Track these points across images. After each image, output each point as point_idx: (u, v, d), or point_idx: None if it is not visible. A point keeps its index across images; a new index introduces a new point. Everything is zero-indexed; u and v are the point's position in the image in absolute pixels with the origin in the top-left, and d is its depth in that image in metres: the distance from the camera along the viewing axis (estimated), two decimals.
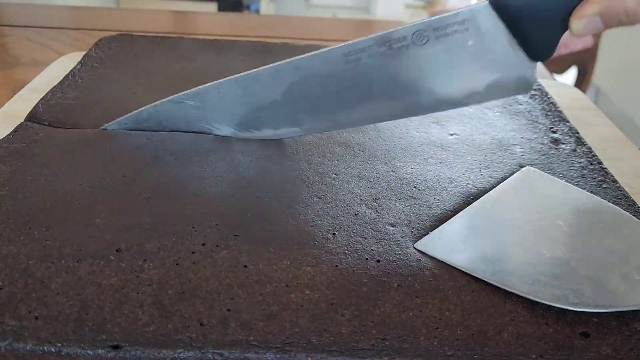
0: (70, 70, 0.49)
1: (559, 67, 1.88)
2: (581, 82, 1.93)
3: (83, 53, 0.55)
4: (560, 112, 0.47)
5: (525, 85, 0.35)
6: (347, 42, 0.35)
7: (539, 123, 0.45)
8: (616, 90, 2.28)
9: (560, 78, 1.60)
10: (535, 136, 0.43)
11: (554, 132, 0.44)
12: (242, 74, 0.38)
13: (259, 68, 0.37)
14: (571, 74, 2.00)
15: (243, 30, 0.81)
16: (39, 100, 0.44)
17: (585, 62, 1.93)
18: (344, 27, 0.93)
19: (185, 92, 0.39)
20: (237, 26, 0.86)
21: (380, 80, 0.35)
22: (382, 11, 3.55)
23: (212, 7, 2.42)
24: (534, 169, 0.39)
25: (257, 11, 2.53)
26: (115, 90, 0.47)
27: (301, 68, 0.36)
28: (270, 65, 0.36)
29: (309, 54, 0.36)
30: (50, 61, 0.64)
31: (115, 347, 0.25)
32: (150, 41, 0.58)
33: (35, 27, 0.76)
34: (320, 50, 0.35)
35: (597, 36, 1.90)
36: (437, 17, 0.33)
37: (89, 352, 0.25)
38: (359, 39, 0.35)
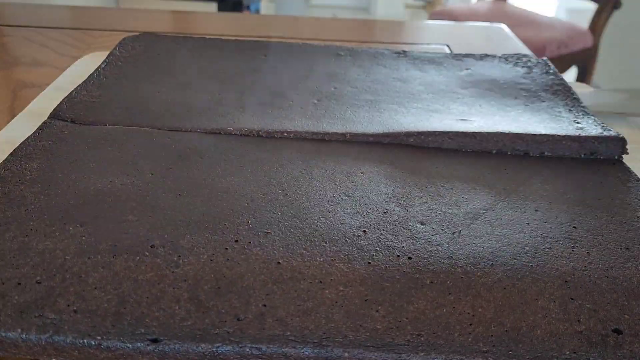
0: (95, 69, 0.49)
1: (559, 67, 1.88)
2: (581, 82, 1.93)
3: (106, 53, 0.55)
4: (584, 107, 0.47)
5: None
6: None
7: (563, 117, 0.45)
8: None
9: None
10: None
11: (578, 122, 0.44)
12: None
13: None
14: (571, 74, 2.01)
15: (243, 30, 0.81)
16: (64, 98, 0.44)
17: (585, 62, 1.94)
18: (344, 27, 0.93)
19: None
20: (237, 26, 0.86)
21: None
22: (382, 11, 3.56)
23: (212, 7, 2.42)
24: None
25: (257, 11, 2.54)
26: (139, 88, 0.47)
27: None
28: None
29: None
30: (50, 61, 0.64)
31: (154, 341, 0.25)
32: (172, 40, 0.58)
33: (35, 27, 0.76)
34: None
35: (597, 36, 1.91)
36: None
37: (128, 345, 0.25)
38: None
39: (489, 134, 0.41)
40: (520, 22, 1.94)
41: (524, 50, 0.78)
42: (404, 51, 0.57)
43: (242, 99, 0.46)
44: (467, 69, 0.54)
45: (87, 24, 0.80)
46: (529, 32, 1.83)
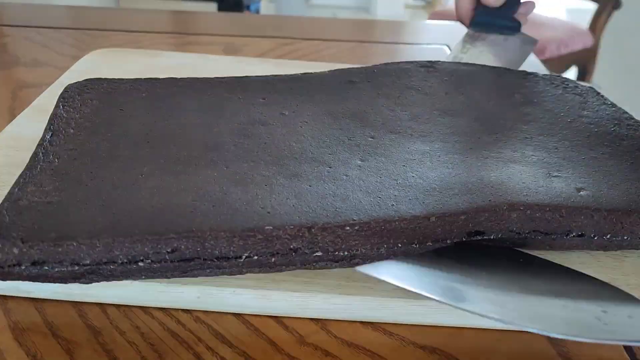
0: (38, 145, 0.35)
1: (559, 67, 1.89)
2: (581, 82, 1.93)
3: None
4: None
5: None
6: None
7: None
8: (616, 90, 2.28)
9: None
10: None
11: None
12: None
13: None
14: (571, 73, 2.01)
15: (243, 30, 0.81)
16: (2, 203, 0.30)
17: (585, 62, 1.94)
18: (344, 27, 0.93)
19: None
20: (236, 26, 0.86)
21: None
22: (382, 11, 3.56)
23: (212, 7, 2.42)
24: None
25: (257, 11, 2.54)
26: (111, 172, 0.33)
27: None
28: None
29: None
30: (50, 61, 0.64)
31: None
32: (134, 86, 0.42)
33: (35, 27, 0.76)
34: None
35: (597, 36, 1.91)
36: None
37: None
38: None
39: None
40: None
41: None
42: (431, 63, 0.48)
43: (262, 171, 0.33)
44: (515, 92, 0.46)
45: (87, 24, 0.80)
46: (529, 32, 1.83)
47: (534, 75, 0.49)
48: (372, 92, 0.43)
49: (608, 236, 0.34)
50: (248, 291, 0.30)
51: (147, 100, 0.41)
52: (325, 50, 0.74)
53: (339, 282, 0.31)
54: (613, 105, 0.45)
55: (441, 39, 0.81)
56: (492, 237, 0.32)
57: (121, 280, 0.29)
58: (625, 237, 0.34)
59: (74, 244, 0.27)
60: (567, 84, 0.48)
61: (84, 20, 0.82)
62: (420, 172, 0.34)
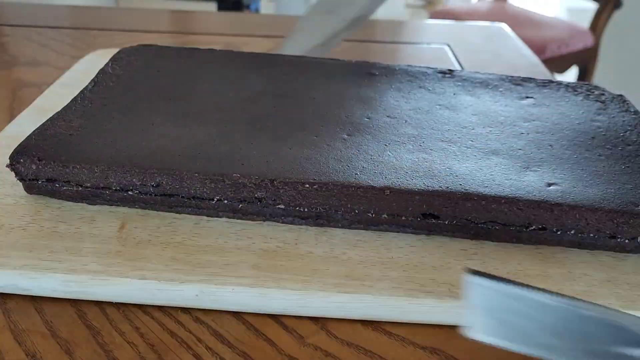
0: (80, 92, 0.41)
1: (559, 67, 1.89)
2: (581, 82, 1.93)
3: (114, 50, 0.52)
4: None
5: None
6: None
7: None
8: (616, 90, 2.27)
9: (561, 78, 1.60)
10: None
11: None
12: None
13: None
14: (572, 73, 2.01)
15: (243, 30, 0.81)
16: (35, 130, 0.37)
17: (585, 62, 1.94)
18: None
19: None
20: (236, 26, 0.86)
21: None
22: (382, 11, 3.55)
23: (212, 6, 2.42)
24: None
25: (257, 11, 2.53)
26: (129, 119, 0.39)
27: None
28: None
29: None
30: (50, 61, 0.64)
31: None
32: (177, 53, 0.49)
33: (35, 27, 0.76)
34: None
35: (597, 36, 1.91)
36: None
37: None
38: None
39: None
40: (521, 22, 1.93)
41: (524, 49, 0.78)
42: (450, 70, 0.48)
43: (254, 133, 0.38)
44: (528, 96, 0.45)
45: (86, 23, 0.80)
46: (530, 32, 1.83)
47: (557, 82, 0.48)
48: (386, 85, 0.46)
49: (572, 232, 0.34)
50: (247, 289, 0.30)
51: (183, 66, 0.47)
52: None
53: (338, 280, 0.31)
54: (637, 112, 0.44)
55: (442, 39, 0.81)
56: (446, 222, 0.34)
57: (119, 206, 0.35)
58: (592, 235, 0.34)
59: (77, 166, 0.34)
60: (592, 92, 0.47)
61: (84, 20, 0.82)
62: (397, 153, 0.37)
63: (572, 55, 1.89)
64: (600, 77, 2.00)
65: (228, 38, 0.76)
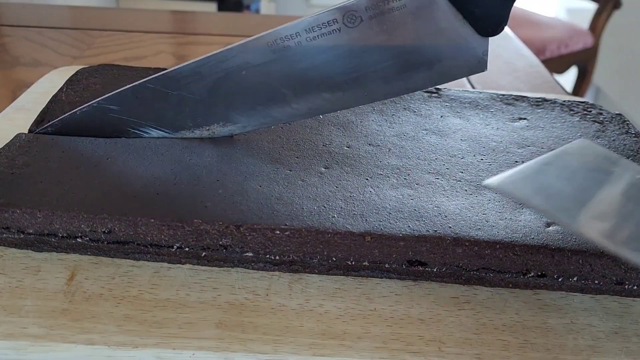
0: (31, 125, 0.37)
1: (558, 67, 1.88)
2: (581, 82, 1.93)
3: (77, 67, 0.47)
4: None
5: (478, 63, 0.32)
6: (273, 29, 0.32)
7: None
8: (616, 90, 2.29)
9: (560, 78, 1.61)
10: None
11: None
12: (161, 73, 0.34)
13: (179, 65, 0.33)
14: (571, 74, 2.01)
15: (243, 30, 0.81)
16: None
17: (585, 62, 1.94)
18: None
19: (104, 96, 0.34)
20: (237, 26, 0.86)
21: (314, 69, 0.32)
22: None
23: (212, 7, 2.41)
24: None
25: (257, 11, 2.53)
26: (80, 155, 0.34)
27: (224, 61, 0.32)
28: (191, 61, 0.33)
29: (230, 45, 0.32)
30: (50, 61, 0.64)
31: None
32: (140, 75, 0.41)
33: (35, 27, 0.76)
34: (244, 40, 0.32)
35: (597, 36, 1.91)
36: None
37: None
38: (286, 25, 0.32)
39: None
40: (520, 22, 1.93)
41: (524, 50, 0.78)
42: (437, 89, 0.45)
43: (220, 167, 0.34)
44: (521, 118, 0.42)
45: (86, 24, 0.79)
46: (529, 32, 1.83)
47: (552, 101, 0.45)
48: (368, 107, 0.42)
49: (575, 279, 0.31)
50: (209, 354, 0.27)
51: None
52: None
53: (313, 339, 0.28)
54: (637, 134, 0.42)
55: None
56: (435, 270, 0.31)
57: (68, 253, 0.31)
58: (597, 282, 0.31)
59: (17, 211, 0.30)
60: (590, 111, 0.44)
61: (84, 20, 0.82)
62: (379, 189, 0.33)
63: (571, 56, 1.88)
64: (600, 77, 2.00)
65: (228, 38, 0.76)
